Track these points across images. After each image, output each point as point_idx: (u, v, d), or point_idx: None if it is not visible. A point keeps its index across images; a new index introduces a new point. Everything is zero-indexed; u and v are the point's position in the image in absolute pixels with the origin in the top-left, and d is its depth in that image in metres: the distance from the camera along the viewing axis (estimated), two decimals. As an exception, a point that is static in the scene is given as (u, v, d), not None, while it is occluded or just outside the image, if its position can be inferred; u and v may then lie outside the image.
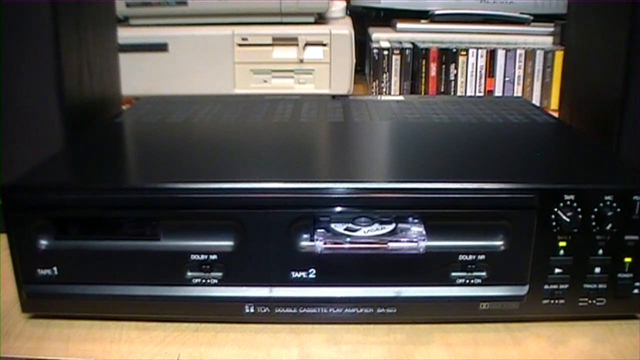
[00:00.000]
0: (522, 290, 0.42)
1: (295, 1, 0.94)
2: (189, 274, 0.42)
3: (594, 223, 0.40)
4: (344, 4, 1.09)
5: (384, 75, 1.02)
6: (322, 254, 0.40)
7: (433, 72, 1.02)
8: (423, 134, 0.57)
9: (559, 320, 0.43)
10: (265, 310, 0.42)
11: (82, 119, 0.57)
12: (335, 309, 0.42)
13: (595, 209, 0.40)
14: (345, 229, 0.41)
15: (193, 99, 0.71)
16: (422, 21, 1.09)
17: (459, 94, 1.02)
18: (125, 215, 0.42)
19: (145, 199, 0.41)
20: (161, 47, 0.94)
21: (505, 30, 1.06)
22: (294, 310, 0.42)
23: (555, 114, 0.70)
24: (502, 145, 0.54)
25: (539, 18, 1.08)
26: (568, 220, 0.40)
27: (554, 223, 0.40)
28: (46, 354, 0.40)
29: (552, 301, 0.42)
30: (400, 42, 1.05)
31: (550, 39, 1.04)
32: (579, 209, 0.40)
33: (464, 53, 1.00)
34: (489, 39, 1.04)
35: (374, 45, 1.03)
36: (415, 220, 0.41)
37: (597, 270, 0.42)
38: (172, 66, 0.94)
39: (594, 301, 0.42)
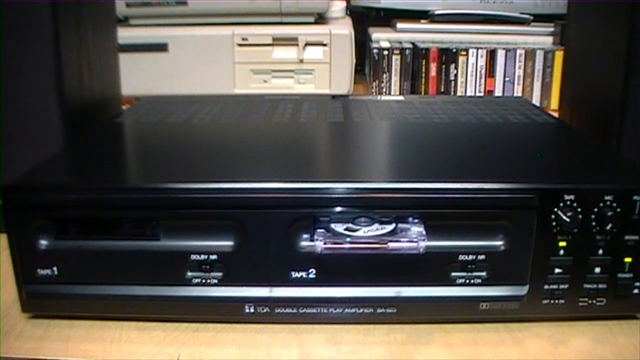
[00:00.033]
0: (522, 290, 0.42)
1: (295, 1, 0.94)
2: (189, 274, 0.42)
3: (594, 223, 0.40)
4: (344, 4, 1.09)
5: (384, 75, 1.02)
6: (322, 254, 0.40)
7: (433, 72, 1.02)
8: (423, 134, 0.57)
9: (559, 320, 0.43)
10: (265, 310, 0.42)
11: (82, 119, 0.57)
12: (335, 309, 0.42)
13: (595, 209, 0.40)
14: (345, 229, 0.41)
15: (193, 99, 0.71)
16: (422, 21, 1.09)
17: (459, 94, 1.02)
18: (125, 215, 0.42)
19: (145, 199, 0.41)
20: (161, 47, 0.93)
21: (505, 30, 1.06)
22: (294, 310, 0.42)
23: (555, 114, 0.70)
24: (502, 145, 0.54)
25: (539, 18, 1.07)
26: (568, 220, 0.40)
27: (554, 223, 0.40)
28: (46, 354, 0.40)
29: (552, 301, 0.42)
30: (400, 42, 1.05)
31: (550, 39, 1.04)
32: (579, 209, 0.40)
33: (464, 53, 1.00)
34: (489, 39, 1.04)
35: (374, 45, 1.03)
36: (415, 220, 0.41)
37: (597, 270, 0.41)
38: (172, 66, 0.94)
39: (594, 301, 0.42)
